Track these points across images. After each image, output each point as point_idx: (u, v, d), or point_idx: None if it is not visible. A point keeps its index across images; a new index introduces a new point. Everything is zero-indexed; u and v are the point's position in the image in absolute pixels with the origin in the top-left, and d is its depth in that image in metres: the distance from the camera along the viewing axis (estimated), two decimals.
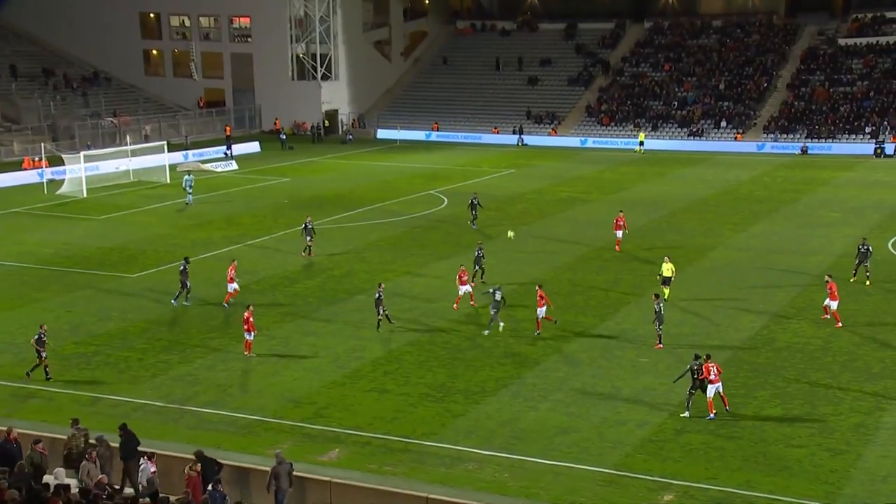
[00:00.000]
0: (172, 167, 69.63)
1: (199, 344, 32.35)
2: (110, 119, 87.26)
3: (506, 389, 28.19)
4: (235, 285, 36.89)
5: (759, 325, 33.64)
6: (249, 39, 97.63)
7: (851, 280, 38.21)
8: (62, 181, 63.22)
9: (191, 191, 57.88)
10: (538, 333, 32.62)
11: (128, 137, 74.06)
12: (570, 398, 27.46)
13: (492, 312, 32.97)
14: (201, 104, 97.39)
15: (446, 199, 58.93)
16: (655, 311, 31.07)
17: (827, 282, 33.96)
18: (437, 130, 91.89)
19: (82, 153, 64.75)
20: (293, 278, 40.85)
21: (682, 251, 44.43)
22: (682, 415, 25.92)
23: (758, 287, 38.37)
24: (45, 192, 62.67)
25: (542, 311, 32.65)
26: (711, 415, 25.84)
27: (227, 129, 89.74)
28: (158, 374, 29.94)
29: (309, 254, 43.77)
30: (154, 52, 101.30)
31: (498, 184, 65.16)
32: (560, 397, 27.54)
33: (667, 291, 36.05)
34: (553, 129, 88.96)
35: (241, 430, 25.74)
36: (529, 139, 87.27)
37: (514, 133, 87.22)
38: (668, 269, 36.50)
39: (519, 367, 30.00)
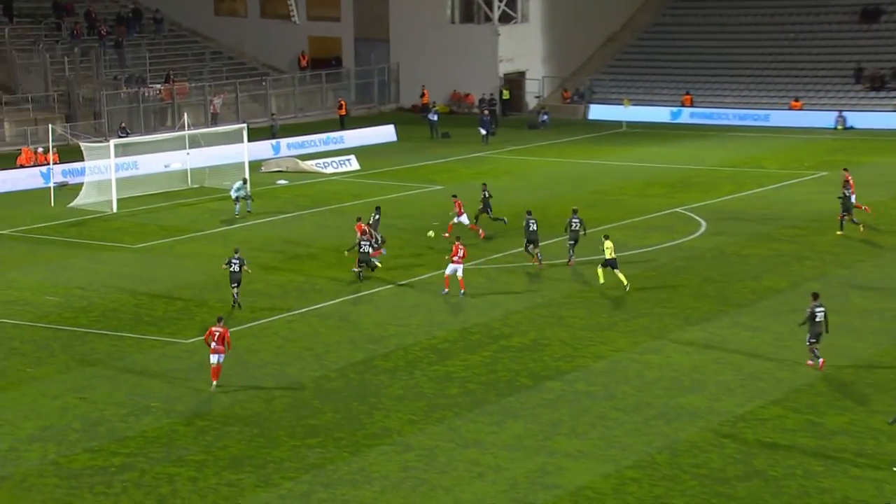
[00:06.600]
0: (254, 165, 70.86)
1: (290, 456, 32.58)
2: (158, 86, 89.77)
3: None
4: (464, 218, 55.64)
5: None
6: None
7: None
8: (79, 186, 65.86)
9: (244, 193, 60.72)
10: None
11: (185, 116, 74.35)
12: None
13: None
14: (303, 63, 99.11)
15: (704, 223, 58.11)
16: (570, 229, 49.80)
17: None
18: (691, 106, 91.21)
19: (112, 141, 67.12)
20: (443, 351, 40.80)
21: None
22: (808, 362, 37.73)
23: None
24: (52, 203, 65.37)
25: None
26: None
27: (342, 103, 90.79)
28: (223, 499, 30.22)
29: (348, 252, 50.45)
30: None
31: (796, 196, 64.21)
32: None
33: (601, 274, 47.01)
34: None
35: None
36: (855, 118, 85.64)
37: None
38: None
39: None
